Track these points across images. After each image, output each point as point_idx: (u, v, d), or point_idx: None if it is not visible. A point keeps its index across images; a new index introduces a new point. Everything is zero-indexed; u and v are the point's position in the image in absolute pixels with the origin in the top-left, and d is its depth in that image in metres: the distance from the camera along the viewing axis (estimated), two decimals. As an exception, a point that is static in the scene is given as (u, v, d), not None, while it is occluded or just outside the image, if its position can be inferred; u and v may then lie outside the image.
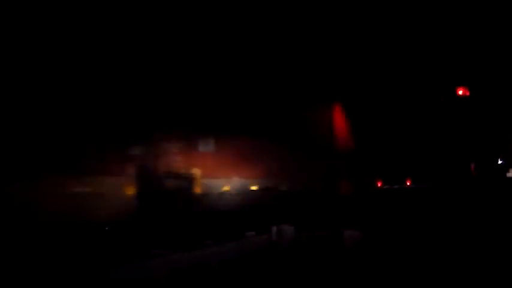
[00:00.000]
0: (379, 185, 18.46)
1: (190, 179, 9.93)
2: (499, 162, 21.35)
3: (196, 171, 9.97)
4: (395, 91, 18.47)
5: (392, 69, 17.93)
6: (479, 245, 8.15)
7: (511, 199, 15.12)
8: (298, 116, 14.15)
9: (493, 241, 8.62)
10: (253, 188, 12.21)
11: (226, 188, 11.60)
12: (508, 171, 21.18)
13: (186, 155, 10.01)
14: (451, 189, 17.87)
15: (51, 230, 7.88)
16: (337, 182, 15.16)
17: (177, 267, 6.83)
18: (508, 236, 9.02)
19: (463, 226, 10.73)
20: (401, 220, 11.99)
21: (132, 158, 10.00)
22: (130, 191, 9.29)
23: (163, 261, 6.85)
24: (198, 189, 10.10)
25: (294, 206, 12.28)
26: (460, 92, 20.17)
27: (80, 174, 9.73)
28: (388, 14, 16.76)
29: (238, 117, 11.58)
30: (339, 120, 16.45)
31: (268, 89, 12.84)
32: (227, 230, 9.87)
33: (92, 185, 10.17)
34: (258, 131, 12.31)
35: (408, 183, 19.11)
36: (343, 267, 7.51)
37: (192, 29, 11.19)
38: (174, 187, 10.09)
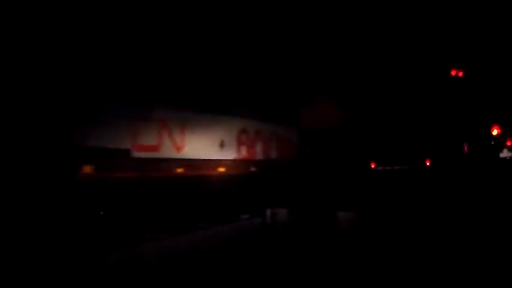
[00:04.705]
0: (372, 166, 18.51)
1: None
2: (492, 142, 21.48)
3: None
4: (388, 73, 18.39)
5: (385, 51, 17.83)
6: (472, 225, 8.19)
7: (503, 179, 15.25)
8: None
9: (485, 220, 8.68)
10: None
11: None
12: (501, 152, 21.33)
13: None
14: (443, 169, 17.98)
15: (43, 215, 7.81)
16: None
17: (170, 251, 6.83)
18: (499, 215, 9.09)
19: (456, 206, 10.80)
20: (394, 200, 12.04)
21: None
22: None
23: (157, 245, 6.84)
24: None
25: (288, 188, 12.28)
26: (454, 73, 20.16)
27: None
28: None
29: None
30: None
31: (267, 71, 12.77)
32: (221, 212, 9.87)
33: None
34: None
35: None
36: (337, 249, 7.54)
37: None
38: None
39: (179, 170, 9.68)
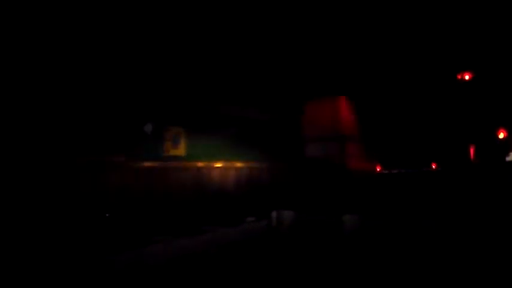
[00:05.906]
0: (378, 169, 18.49)
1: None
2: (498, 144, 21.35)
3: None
4: (396, 76, 18.39)
5: (393, 55, 17.83)
6: (478, 229, 8.18)
7: (510, 183, 15.15)
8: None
9: (492, 223, 8.66)
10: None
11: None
12: (507, 155, 21.21)
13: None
14: (450, 173, 17.90)
15: (51, 217, 7.90)
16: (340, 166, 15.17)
17: (177, 253, 6.89)
18: (506, 219, 9.06)
19: (462, 209, 10.77)
20: (400, 203, 12.03)
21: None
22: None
23: (164, 247, 6.90)
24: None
25: (294, 191, 12.32)
26: (460, 77, 20.09)
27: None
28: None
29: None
30: (342, 106, 16.43)
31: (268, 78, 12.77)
32: (227, 215, 9.93)
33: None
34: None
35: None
36: (342, 251, 7.56)
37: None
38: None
39: None
